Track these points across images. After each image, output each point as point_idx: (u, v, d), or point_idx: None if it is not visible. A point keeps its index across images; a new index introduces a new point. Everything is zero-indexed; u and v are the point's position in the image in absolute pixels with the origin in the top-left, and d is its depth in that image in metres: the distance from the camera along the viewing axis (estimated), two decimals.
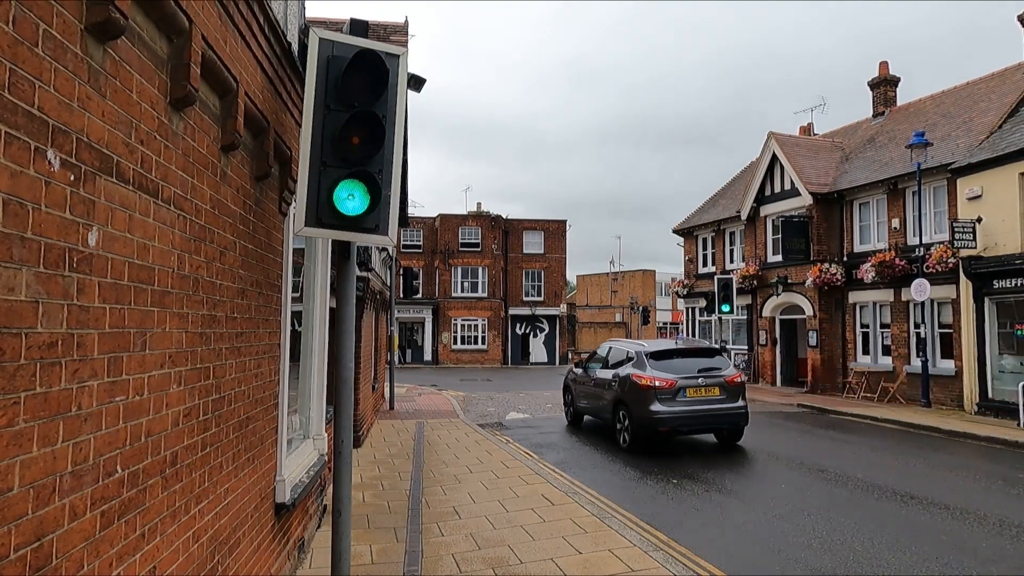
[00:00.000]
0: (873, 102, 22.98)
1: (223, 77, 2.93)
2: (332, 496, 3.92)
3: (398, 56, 3.71)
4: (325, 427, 5.94)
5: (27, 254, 1.63)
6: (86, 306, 1.90)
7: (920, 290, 15.38)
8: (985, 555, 5.84)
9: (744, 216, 22.87)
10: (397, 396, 17.46)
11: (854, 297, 19.02)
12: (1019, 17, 17.27)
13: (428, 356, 39.58)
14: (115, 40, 2.01)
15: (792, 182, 20.80)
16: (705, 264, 26.36)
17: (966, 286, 15.27)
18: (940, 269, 15.48)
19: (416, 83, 10.35)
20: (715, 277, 22.12)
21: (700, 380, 10.74)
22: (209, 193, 2.94)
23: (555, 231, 41.50)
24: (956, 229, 14.84)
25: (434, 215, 40.69)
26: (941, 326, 16.53)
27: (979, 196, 14.99)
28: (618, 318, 49.97)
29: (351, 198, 3.51)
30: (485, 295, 40.13)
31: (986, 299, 14.83)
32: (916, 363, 16.67)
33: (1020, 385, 13.14)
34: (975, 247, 14.79)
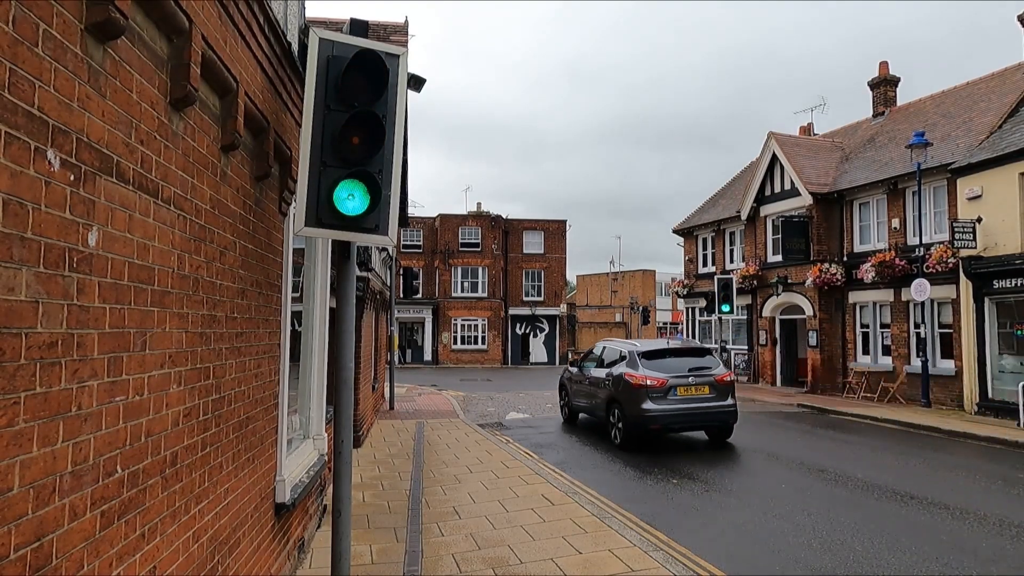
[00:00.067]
0: (873, 102, 22.99)
1: (223, 77, 2.93)
2: (332, 496, 3.92)
3: (398, 56, 3.71)
4: (325, 427, 5.94)
5: (27, 254, 1.63)
6: (86, 306, 1.90)
7: (920, 290, 15.39)
8: (985, 555, 5.84)
9: (744, 216, 22.87)
10: (397, 396, 17.46)
11: (854, 297, 19.02)
12: (1019, 17, 17.28)
13: (428, 356, 39.59)
14: (115, 40, 2.01)
15: (792, 182, 20.80)
16: (705, 264, 26.37)
17: (966, 286, 15.27)
18: (940, 269, 15.48)
19: (416, 83, 10.35)
20: (715, 277, 22.12)
21: (691, 379, 10.99)
22: (209, 193, 2.94)
23: (555, 231, 41.51)
24: (956, 229, 14.84)
25: (434, 215, 40.70)
26: (941, 326, 16.53)
27: (979, 196, 14.99)
28: (618, 318, 49.97)
29: (351, 198, 3.51)
30: (485, 295, 40.14)
31: (986, 299, 14.84)
32: (916, 363, 16.67)
33: (1020, 385, 13.14)
34: (975, 247, 14.79)
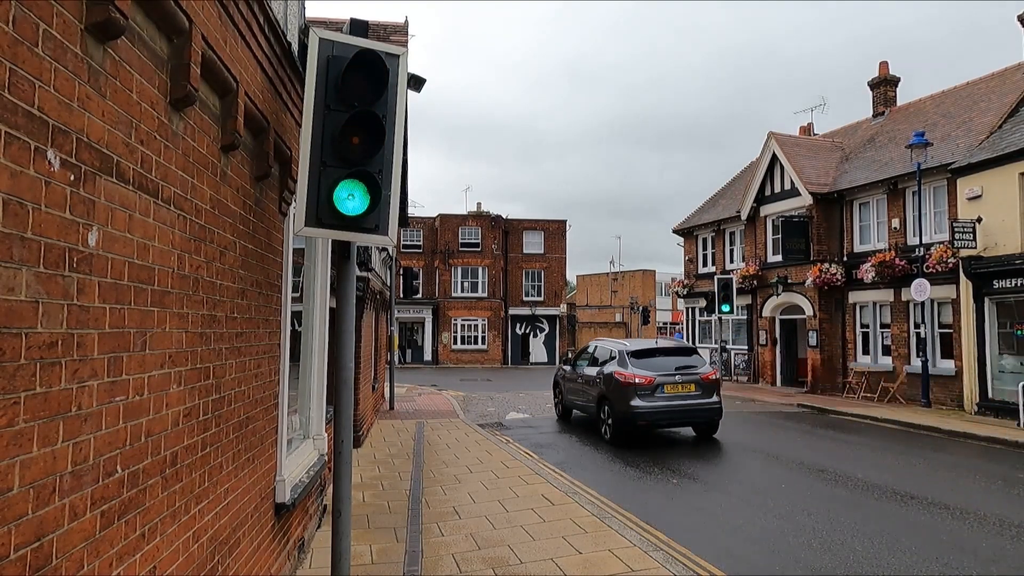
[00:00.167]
0: (873, 102, 22.99)
1: (223, 77, 2.93)
2: (332, 496, 3.92)
3: (398, 56, 3.71)
4: (325, 427, 5.94)
5: (27, 254, 1.63)
6: (86, 306, 1.90)
7: (920, 290, 15.39)
8: (985, 555, 5.84)
9: (744, 216, 22.87)
10: (397, 396, 17.46)
11: (854, 297, 19.03)
12: (1019, 17, 17.28)
13: (428, 356, 39.59)
14: (115, 40, 2.01)
15: (792, 182, 20.80)
16: (705, 264, 26.37)
17: (966, 286, 15.27)
18: (940, 269, 15.48)
19: (416, 83, 10.35)
20: (715, 277, 22.13)
21: (677, 377, 11.43)
22: (209, 193, 2.94)
23: (555, 231, 41.51)
24: (956, 229, 14.84)
25: (434, 215, 40.70)
26: (941, 326, 16.53)
27: (979, 196, 14.99)
28: (618, 318, 49.96)
29: (351, 198, 3.51)
30: (485, 295, 40.13)
31: (986, 299, 14.84)
32: (916, 363, 16.67)
33: (1020, 385, 13.14)
34: (975, 247, 14.79)
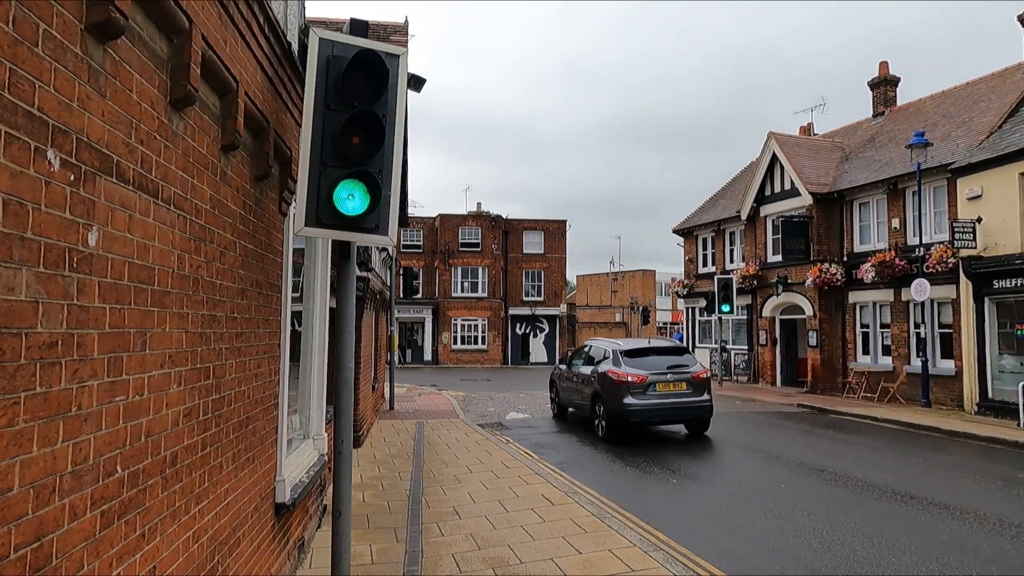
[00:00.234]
0: (873, 102, 22.99)
1: (223, 77, 2.93)
2: (332, 496, 3.92)
3: (398, 56, 3.71)
4: (325, 427, 5.94)
5: (27, 254, 1.63)
6: (86, 306, 1.90)
7: (920, 290, 15.39)
8: (985, 555, 5.84)
9: (744, 216, 22.87)
10: (397, 396, 17.46)
11: (854, 297, 19.02)
12: (1019, 17, 17.28)
13: (428, 356, 39.58)
14: (115, 40, 2.01)
15: (792, 182, 20.80)
16: (705, 264, 26.37)
17: (966, 286, 15.27)
18: (940, 269, 15.48)
19: (416, 83, 10.35)
20: (715, 277, 22.16)
21: (669, 376, 11.71)
22: (209, 193, 2.94)
23: (555, 231, 41.50)
24: (956, 229, 14.84)
25: (434, 215, 40.69)
26: (941, 326, 16.53)
27: (979, 196, 14.99)
28: (618, 318, 49.96)
29: (351, 198, 3.51)
30: (485, 295, 40.13)
31: (986, 299, 14.84)
32: (916, 363, 16.67)
33: (1020, 385, 13.14)
34: (975, 247, 14.79)
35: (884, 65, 22.86)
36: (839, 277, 18.78)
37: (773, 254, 21.92)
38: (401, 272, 24.03)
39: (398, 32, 11.30)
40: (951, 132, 17.52)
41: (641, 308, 46.85)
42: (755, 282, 22.08)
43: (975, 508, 7.29)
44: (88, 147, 1.89)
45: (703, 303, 25.04)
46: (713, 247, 25.87)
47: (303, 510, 5.24)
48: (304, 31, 5.12)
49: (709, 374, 12.45)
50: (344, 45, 3.53)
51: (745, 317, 23.20)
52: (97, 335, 1.97)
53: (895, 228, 17.89)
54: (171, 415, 2.54)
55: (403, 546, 5.69)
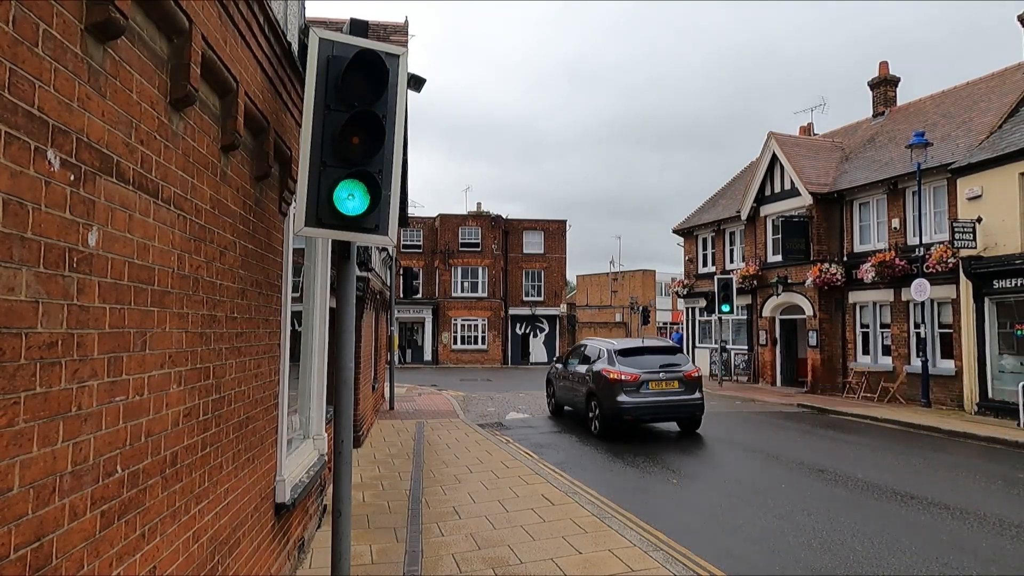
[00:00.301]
0: (873, 102, 22.99)
1: (223, 77, 2.93)
2: (332, 496, 3.92)
3: (398, 56, 3.71)
4: (325, 427, 5.94)
5: (27, 254, 1.63)
6: (86, 306, 1.90)
7: (920, 290, 15.39)
8: (985, 555, 5.84)
9: (744, 216, 22.87)
10: (397, 396, 17.46)
11: (854, 297, 19.03)
12: (1019, 17, 17.28)
13: (428, 356, 39.57)
14: (115, 40, 2.01)
15: (792, 182, 20.80)
16: (705, 264, 26.37)
17: (966, 286, 15.27)
18: (940, 269, 15.48)
19: (416, 83, 10.35)
20: (715, 277, 22.15)
21: (661, 375, 12.02)
22: (209, 193, 2.94)
23: (555, 231, 41.49)
24: (956, 229, 14.84)
25: (434, 215, 40.69)
26: (941, 326, 16.53)
27: (979, 196, 14.99)
28: (618, 318, 49.95)
29: (351, 198, 3.51)
30: (485, 295, 40.12)
31: (986, 299, 14.83)
32: (916, 363, 16.67)
33: (1020, 385, 13.14)
34: (975, 247, 14.79)
35: (884, 65, 22.86)
36: (839, 277, 18.78)
37: (773, 254, 21.91)
38: (401, 272, 24.03)
39: (398, 32, 11.30)
40: (951, 132, 17.52)
41: (641, 308, 46.79)
42: (755, 282, 22.08)
43: (975, 508, 7.29)
44: (88, 147, 1.89)
45: (703, 303, 25.03)
46: (713, 247, 25.87)
47: (303, 510, 5.24)
48: (304, 31, 5.12)
49: (701, 373, 12.73)
50: (344, 45, 3.53)
51: (745, 317, 23.20)
52: (97, 335, 1.97)
53: (895, 228, 17.89)
54: (171, 415, 2.54)
55: (403, 546, 5.69)
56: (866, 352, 18.91)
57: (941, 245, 15.72)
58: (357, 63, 3.45)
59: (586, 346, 14.09)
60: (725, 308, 21.10)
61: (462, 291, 40.16)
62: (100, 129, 1.95)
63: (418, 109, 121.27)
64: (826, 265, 19.00)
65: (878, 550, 5.95)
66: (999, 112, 16.51)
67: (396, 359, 21.78)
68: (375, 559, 5.39)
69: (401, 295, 22.16)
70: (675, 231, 28.00)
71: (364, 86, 3.52)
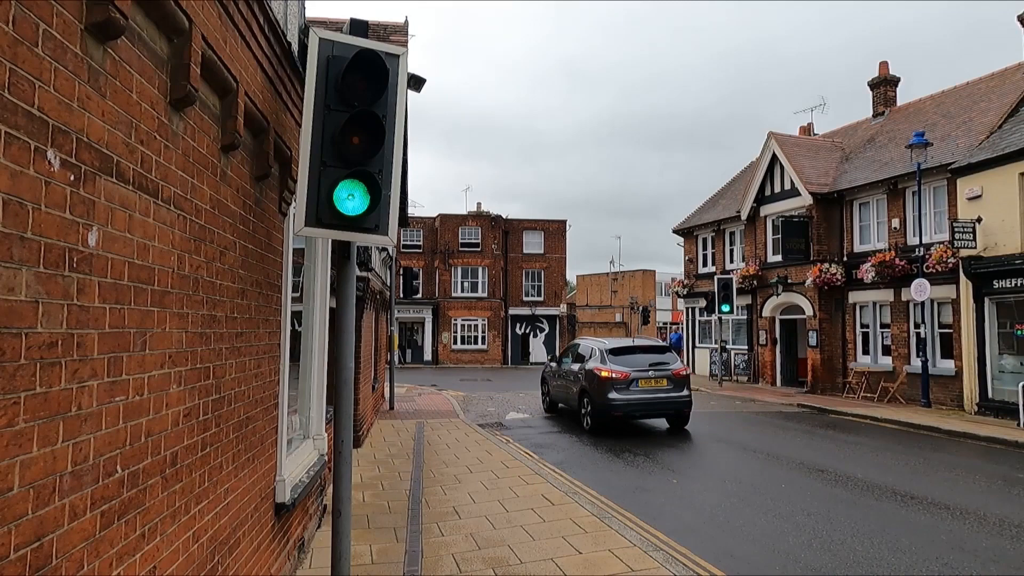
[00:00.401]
0: (873, 102, 22.98)
1: (223, 77, 2.93)
2: (332, 496, 3.92)
3: (398, 56, 3.71)
4: (325, 427, 5.94)
5: (27, 254, 1.63)
6: (86, 306, 1.90)
7: (920, 290, 15.39)
8: (985, 555, 5.84)
9: (744, 216, 22.86)
10: (397, 396, 17.46)
11: (854, 297, 19.02)
12: (1019, 17, 17.28)
13: (428, 356, 39.57)
14: (115, 40, 2.01)
15: (792, 182, 20.80)
16: (705, 264, 26.37)
17: (966, 286, 15.27)
18: (940, 269, 15.48)
19: (416, 83, 10.35)
20: (715, 277, 22.15)
21: (650, 373, 12.44)
22: (209, 193, 2.94)
23: (555, 231, 41.49)
24: (956, 229, 14.84)
25: (434, 215, 40.69)
26: (941, 326, 16.53)
27: (979, 196, 14.99)
28: (618, 318, 49.95)
29: (351, 198, 3.51)
30: (485, 295, 40.12)
31: (986, 299, 14.83)
32: (916, 363, 16.67)
33: (1020, 385, 13.14)
34: (975, 247, 14.79)
35: (884, 65, 22.85)
36: (839, 277, 18.78)
37: (773, 254, 21.91)
38: (401, 272, 24.02)
39: (398, 32, 11.30)
40: (951, 132, 17.52)
41: (641, 308, 46.83)
42: (755, 282, 22.08)
43: (975, 508, 7.29)
44: (88, 147, 1.89)
45: (703, 303, 25.03)
46: (713, 247, 25.87)
47: (303, 510, 5.24)
48: (304, 31, 5.12)
49: (689, 371, 13.14)
50: (344, 45, 3.53)
51: (745, 317, 23.19)
52: (97, 335, 1.97)
53: (895, 228, 17.89)
54: (171, 415, 2.54)
55: (403, 546, 5.69)
56: (866, 352, 18.91)
57: (941, 245, 15.72)
58: (357, 63, 3.45)
59: (579, 345, 14.45)
60: (725, 308, 21.11)
61: (462, 291, 40.16)
62: (100, 129, 1.95)
63: (418, 109, 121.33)
64: (826, 265, 19.00)
65: (878, 550, 5.95)
66: (999, 112, 16.51)
67: (396, 359, 21.78)
68: (375, 559, 5.39)
69: (401, 295, 22.16)
70: (675, 231, 28.00)
71: (364, 86, 3.52)
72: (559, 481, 8.32)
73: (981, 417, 14.32)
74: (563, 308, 41.15)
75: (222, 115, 3.08)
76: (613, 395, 12.12)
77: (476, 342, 40.09)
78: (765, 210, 22.22)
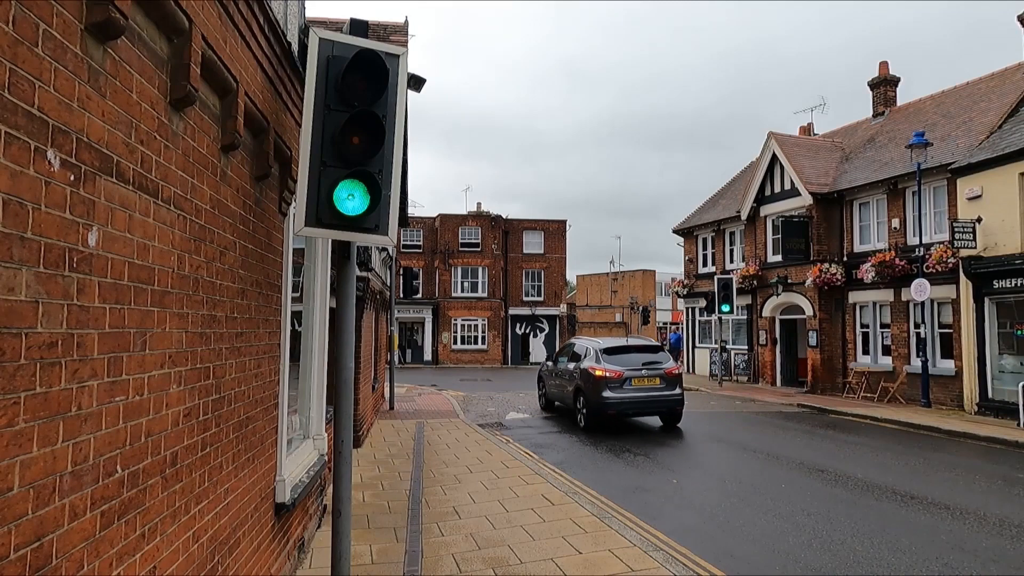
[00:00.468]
0: (873, 102, 22.98)
1: (223, 77, 2.93)
2: (332, 496, 3.92)
3: (398, 56, 3.71)
4: (325, 427, 5.94)
5: (27, 254, 1.63)
6: (86, 306, 1.90)
7: (920, 290, 15.39)
8: (985, 555, 5.84)
9: (744, 216, 22.86)
10: (397, 396, 17.45)
11: (854, 297, 19.02)
12: (1019, 17, 17.28)
13: (428, 356, 39.57)
14: (115, 40, 2.01)
15: (792, 182, 20.80)
16: (705, 264, 26.36)
17: (966, 286, 15.27)
18: (940, 269, 15.48)
19: (416, 83, 10.35)
20: (715, 277, 22.15)
21: (643, 371, 12.73)
22: (209, 193, 2.94)
23: (555, 231, 41.49)
24: (956, 229, 14.84)
25: (434, 215, 40.69)
26: (941, 326, 16.53)
27: (979, 196, 14.99)
28: (618, 318, 49.95)
29: (351, 198, 3.51)
30: (485, 295, 40.12)
31: (986, 299, 14.83)
32: (916, 363, 16.66)
33: (1020, 385, 13.14)
34: (975, 247, 14.79)
35: (884, 65, 22.85)
36: (839, 277, 18.77)
37: (773, 254, 21.91)
38: (401, 272, 24.02)
39: (398, 32, 11.30)
40: (951, 132, 17.52)
41: (641, 308, 46.83)
42: (755, 282, 22.07)
43: (975, 508, 7.29)
44: (88, 147, 1.89)
45: (703, 303, 25.03)
46: (713, 247, 25.86)
47: (303, 510, 5.24)
48: (304, 31, 5.12)
49: (681, 370, 13.39)
50: (344, 45, 3.53)
51: (745, 317, 23.19)
52: (97, 335, 1.97)
53: (895, 228, 17.89)
54: (171, 415, 2.54)
55: (403, 546, 5.69)
56: (866, 352, 18.91)
57: (941, 245, 15.72)
58: (357, 63, 3.45)
59: (574, 345, 14.75)
60: (725, 308, 21.11)
61: (462, 291, 40.16)
62: (100, 129, 1.95)
63: (418, 109, 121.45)
64: (826, 265, 18.99)
65: (878, 550, 5.95)
66: (999, 112, 16.51)
67: (396, 359, 21.78)
68: (375, 559, 5.39)
69: (401, 295, 22.16)
70: (675, 231, 27.99)
71: (364, 86, 3.52)
72: (559, 481, 8.32)
73: (981, 417, 14.32)
74: (563, 308, 41.15)
75: (222, 115, 3.08)
76: (607, 393, 12.40)
77: (476, 342, 40.09)
78: (765, 210, 22.22)
